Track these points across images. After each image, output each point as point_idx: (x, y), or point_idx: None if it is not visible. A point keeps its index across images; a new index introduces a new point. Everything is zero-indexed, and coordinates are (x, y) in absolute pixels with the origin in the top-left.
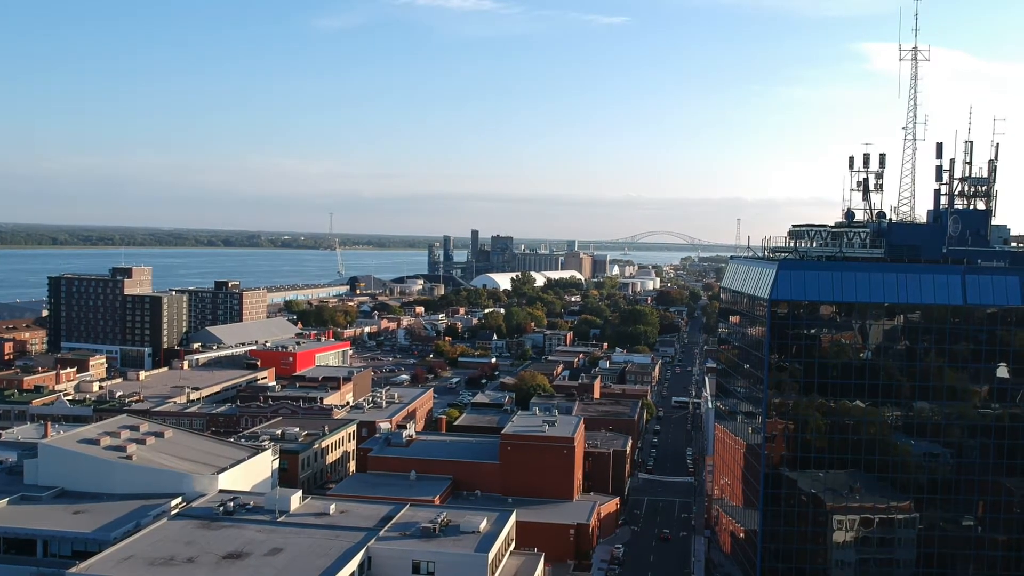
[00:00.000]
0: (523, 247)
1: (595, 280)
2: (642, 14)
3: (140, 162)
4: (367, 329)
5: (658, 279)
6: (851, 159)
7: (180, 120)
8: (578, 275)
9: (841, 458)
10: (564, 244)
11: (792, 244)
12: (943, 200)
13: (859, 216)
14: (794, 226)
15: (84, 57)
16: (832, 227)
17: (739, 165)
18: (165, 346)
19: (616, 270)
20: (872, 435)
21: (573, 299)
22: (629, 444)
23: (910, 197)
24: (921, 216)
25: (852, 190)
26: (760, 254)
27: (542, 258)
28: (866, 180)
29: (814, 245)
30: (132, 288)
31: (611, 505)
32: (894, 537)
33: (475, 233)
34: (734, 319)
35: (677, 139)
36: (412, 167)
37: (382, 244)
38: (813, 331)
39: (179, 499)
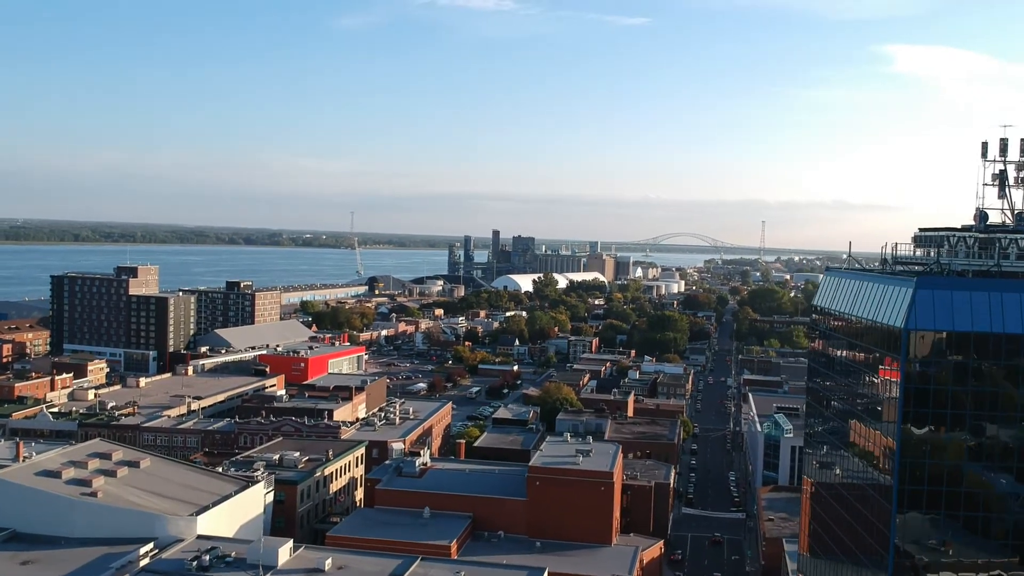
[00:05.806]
0: (544, 248)
1: (619, 282)
2: (662, 15)
3: (163, 159)
4: (384, 332)
5: (683, 282)
6: (984, 145)
7: (203, 118)
8: (601, 277)
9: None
10: (585, 245)
11: (922, 254)
12: None
13: (993, 217)
14: (921, 230)
15: (107, 54)
16: (978, 232)
17: (760, 167)
18: (171, 349)
19: (639, 272)
20: None
21: (597, 302)
22: (672, 475)
23: None
24: None
25: (985, 184)
26: (863, 264)
27: (564, 259)
28: (1003, 172)
29: (958, 256)
30: (137, 288)
31: (655, 550)
32: None
33: (496, 233)
34: (839, 348)
35: (696, 140)
36: (432, 166)
37: (402, 243)
38: (959, 368)
39: (150, 545)
